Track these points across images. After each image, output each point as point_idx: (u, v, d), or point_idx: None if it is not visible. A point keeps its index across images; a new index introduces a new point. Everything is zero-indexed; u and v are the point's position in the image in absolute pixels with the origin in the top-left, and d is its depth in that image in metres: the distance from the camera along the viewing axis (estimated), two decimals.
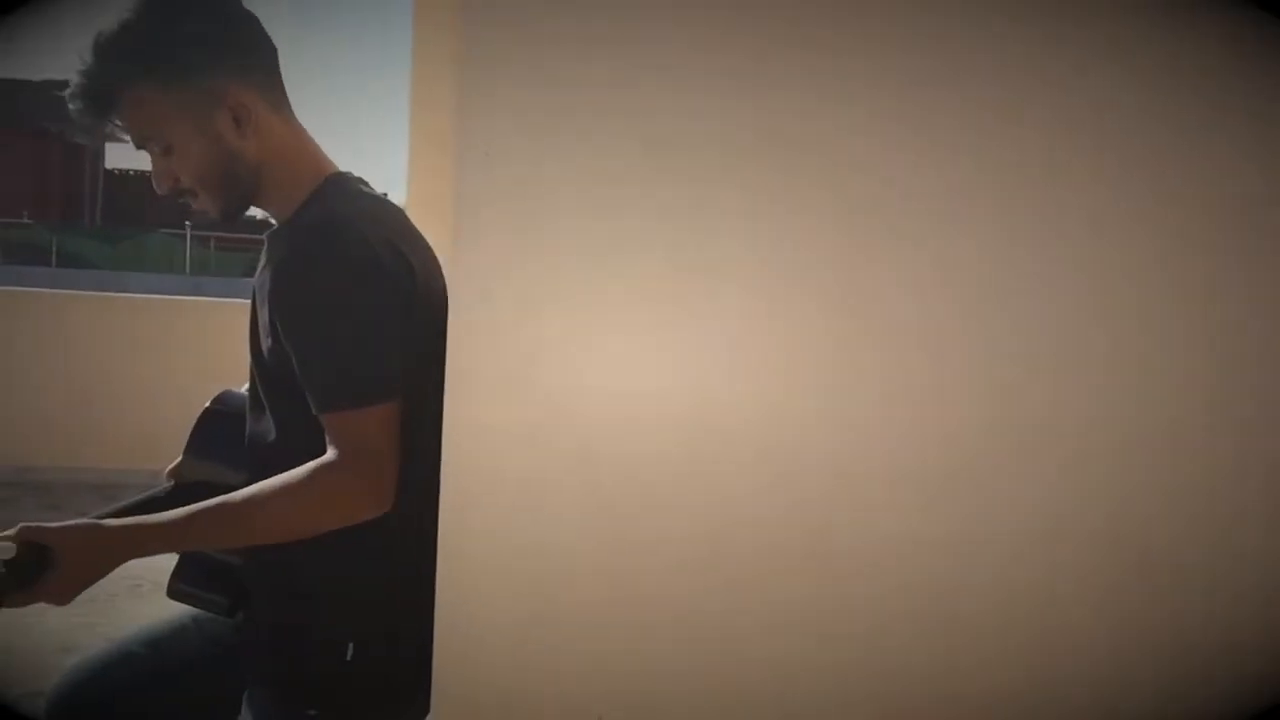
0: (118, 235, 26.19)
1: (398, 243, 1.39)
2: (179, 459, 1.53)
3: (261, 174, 1.40)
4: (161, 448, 5.58)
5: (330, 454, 1.31)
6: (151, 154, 1.39)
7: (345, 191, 1.45)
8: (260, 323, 1.42)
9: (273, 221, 1.47)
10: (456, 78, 1.27)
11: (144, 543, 1.30)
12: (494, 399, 1.15)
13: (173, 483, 1.49)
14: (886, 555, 1.20)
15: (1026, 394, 1.19)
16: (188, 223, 25.50)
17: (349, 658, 1.39)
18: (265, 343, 1.40)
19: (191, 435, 1.51)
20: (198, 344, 5.69)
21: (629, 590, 1.19)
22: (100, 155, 33.81)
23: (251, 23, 1.40)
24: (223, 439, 1.48)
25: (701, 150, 1.15)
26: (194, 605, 1.50)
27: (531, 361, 1.16)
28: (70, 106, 1.35)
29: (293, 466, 1.35)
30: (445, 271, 1.27)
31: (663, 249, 1.16)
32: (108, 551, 1.29)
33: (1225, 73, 1.18)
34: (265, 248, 1.46)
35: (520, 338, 1.15)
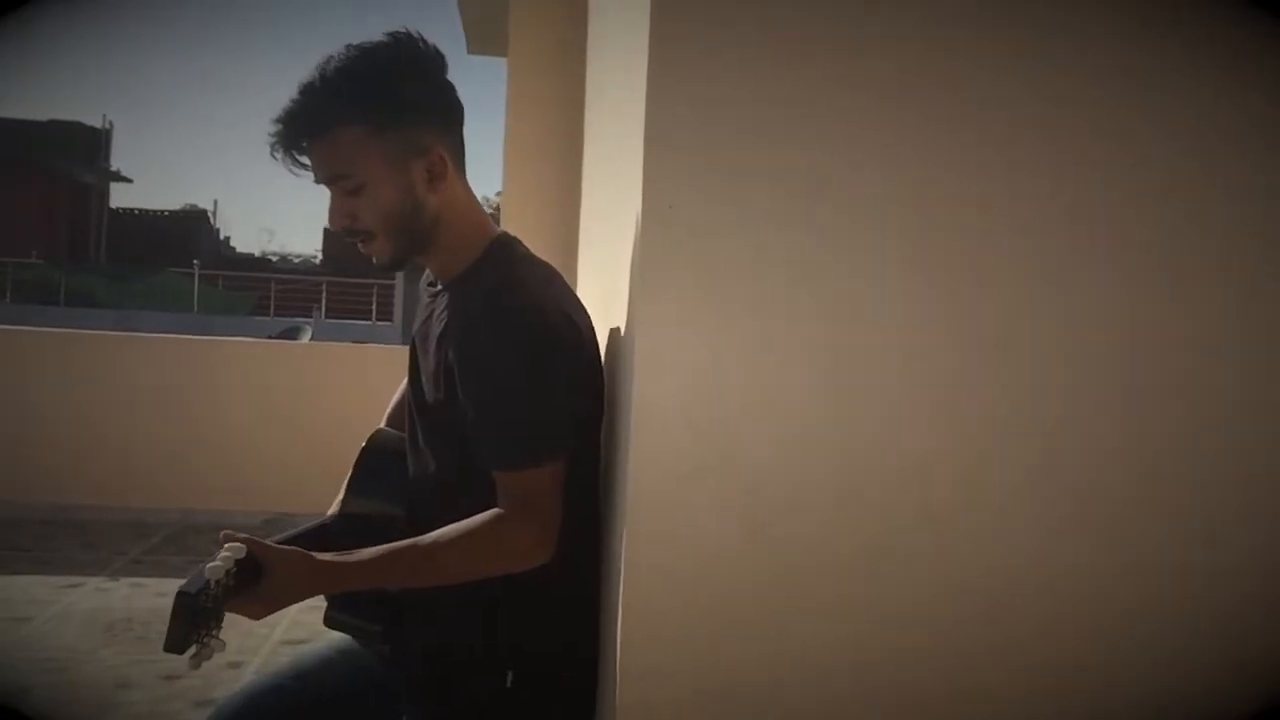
0: (126, 274, 26.27)
1: (565, 307, 1.47)
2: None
3: (436, 229, 1.48)
4: (191, 485, 5.63)
5: (502, 507, 1.38)
6: (335, 191, 1.45)
7: (514, 255, 1.52)
8: (425, 372, 1.50)
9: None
10: (628, 136, 1.35)
11: (343, 579, 1.37)
12: (673, 437, 1.23)
13: (336, 513, 1.56)
14: (1061, 584, 1.28)
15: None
16: (196, 262, 25.62)
17: (509, 685, 1.45)
18: (432, 394, 1.47)
19: (353, 473, 1.58)
20: (218, 382, 5.77)
21: (798, 625, 1.27)
22: (105, 195, 34.00)
23: (454, 91, 1.49)
24: (381, 477, 1.56)
25: (870, 206, 1.24)
26: (349, 633, 1.56)
27: (707, 403, 1.24)
28: (275, 128, 1.41)
29: (452, 504, 1.43)
30: (628, 318, 1.34)
31: (830, 299, 1.24)
32: (311, 582, 1.35)
33: None
34: (435, 302, 1.53)
35: (696, 382, 1.23)
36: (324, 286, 26.85)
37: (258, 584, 1.30)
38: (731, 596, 1.25)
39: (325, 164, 1.43)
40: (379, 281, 24.11)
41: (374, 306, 24.65)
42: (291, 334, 13.11)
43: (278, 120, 1.41)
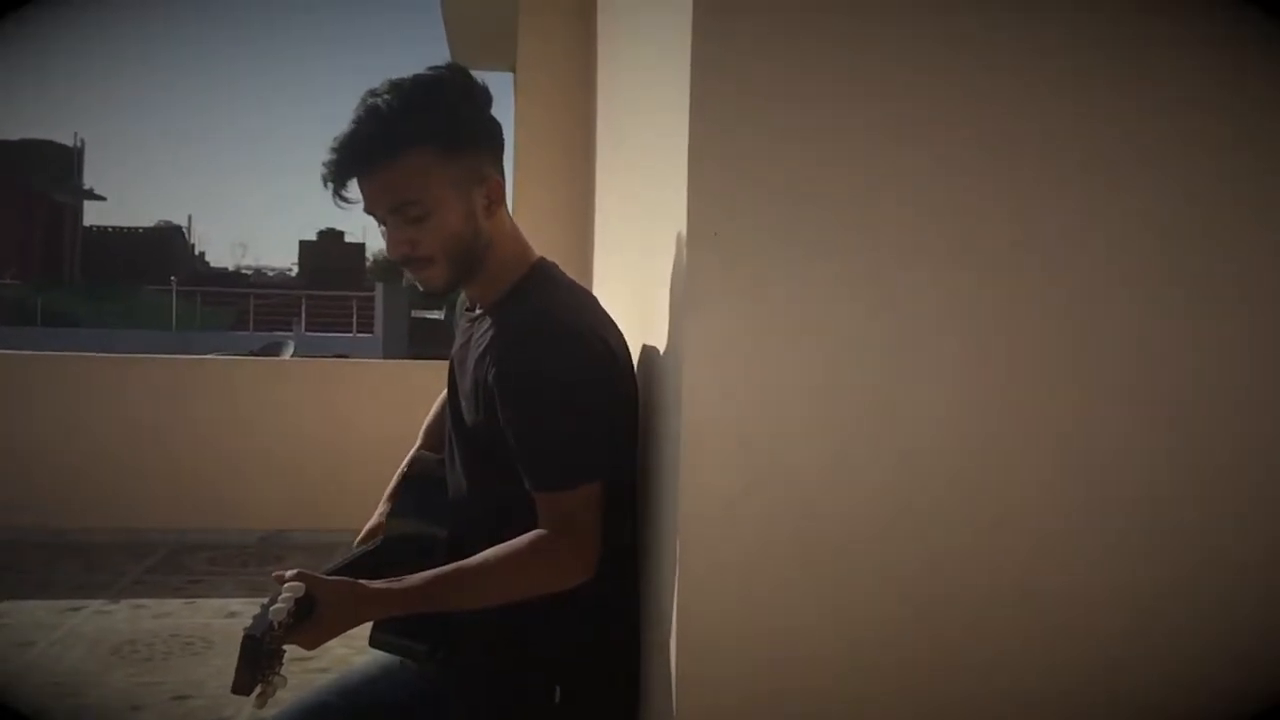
0: (103, 292, 26.08)
1: (601, 331, 1.51)
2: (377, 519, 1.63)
3: (487, 255, 1.51)
4: (185, 505, 5.60)
5: (543, 528, 1.42)
6: (396, 220, 1.46)
7: (552, 280, 1.56)
8: (462, 391, 1.53)
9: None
10: (662, 155, 1.37)
11: (392, 605, 1.39)
12: (723, 456, 1.26)
13: (380, 540, 1.59)
14: (1105, 604, 1.31)
15: None
16: (173, 279, 25.46)
17: (557, 701, 1.48)
18: (470, 415, 1.50)
19: (395, 498, 1.62)
20: (206, 401, 5.71)
21: (852, 639, 1.29)
22: (79, 213, 33.75)
23: (498, 121, 1.52)
24: (421, 500, 1.60)
25: (916, 227, 1.27)
26: (395, 653, 1.58)
27: (756, 422, 1.27)
28: (334, 156, 1.42)
29: (490, 524, 1.46)
30: (674, 340, 1.36)
31: (877, 318, 1.27)
32: (361, 610, 1.37)
33: None
34: (474, 326, 1.56)
35: (745, 401, 1.26)
36: (303, 300, 26.77)
37: (310, 616, 1.33)
38: (785, 611, 1.28)
39: (391, 190, 1.44)
40: (358, 294, 24.06)
41: (354, 319, 24.58)
42: (273, 349, 13.04)
43: (338, 148, 1.42)
